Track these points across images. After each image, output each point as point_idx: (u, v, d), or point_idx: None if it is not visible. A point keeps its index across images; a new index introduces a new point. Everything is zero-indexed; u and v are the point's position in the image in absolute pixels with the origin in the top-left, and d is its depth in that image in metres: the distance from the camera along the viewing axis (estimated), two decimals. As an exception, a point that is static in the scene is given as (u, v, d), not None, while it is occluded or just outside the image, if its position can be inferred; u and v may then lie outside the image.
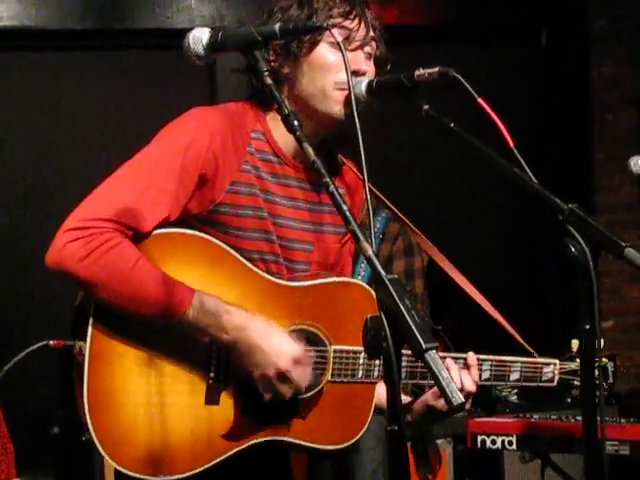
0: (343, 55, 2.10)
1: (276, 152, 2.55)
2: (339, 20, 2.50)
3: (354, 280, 2.62)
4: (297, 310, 2.50)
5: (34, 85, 5.78)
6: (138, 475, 2.37)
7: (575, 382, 2.82)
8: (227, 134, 2.46)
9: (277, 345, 2.40)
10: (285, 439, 2.51)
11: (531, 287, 6.47)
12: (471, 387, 2.63)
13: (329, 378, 2.52)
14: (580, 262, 2.11)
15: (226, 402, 2.44)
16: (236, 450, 2.44)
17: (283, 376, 2.40)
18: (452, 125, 2.37)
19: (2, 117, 5.77)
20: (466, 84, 2.25)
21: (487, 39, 6.47)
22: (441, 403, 2.65)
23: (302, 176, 2.60)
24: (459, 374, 2.60)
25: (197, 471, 2.41)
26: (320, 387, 2.52)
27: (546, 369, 2.79)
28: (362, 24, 2.52)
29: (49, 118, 5.78)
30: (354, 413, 2.58)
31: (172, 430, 2.39)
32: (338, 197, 1.92)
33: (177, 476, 2.40)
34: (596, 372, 2.67)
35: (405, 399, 2.67)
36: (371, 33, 2.54)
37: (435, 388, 2.65)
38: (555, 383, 2.80)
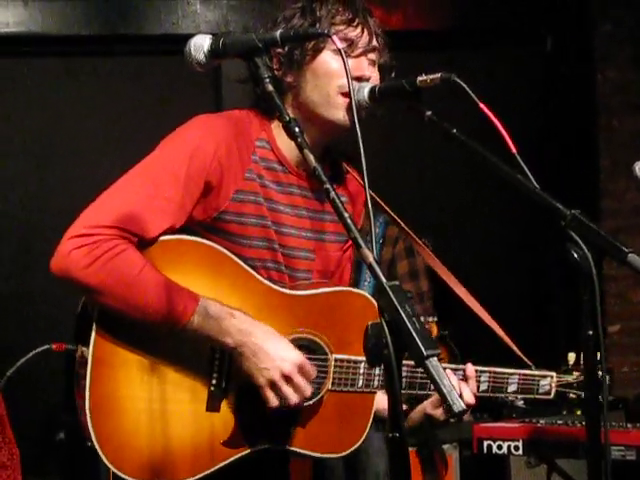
0: (344, 61, 2.10)
1: (280, 160, 2.56)
2: (342, 27, 2.51)
3: (356, 290, 2.63)
4: (299, 318, 2.51)
5: (40, 91, 5.79)
6: (129, 478, 2.37)
7: (572, 395, 2.84)
8: (232, 142, 2.47)
9: (282, 350, 2.41)
10: (285, 447, 2.52)
11: (536, 293, 6.46)
12: (470, 399, 2.64)
13: (329, 387, 2.53)
14: (583, 268, 2.11)
15: (227, 409, 2.45)
16: (236, 457, 2.45)
17: (288, 380, 2.40)
18: (454, 131, 2.37)
19: (8, 122, 5.78)
20: (468, 90, 2.25)
21: (491, 44, 6.46)
22: (439, 412, 2.67)
23: (305, 184, 2.60)
24: (458, 386, 2.61)
25: (197, 477, 2.42)
26: (320, 396, 2.52)
27: (543, 382, 2.81)
28: (365, 31, 2.53)
29: (55, 123, 5.80)
30: (353, 422, 2.59)
31: (173, 437, 2.39)
32: (339, 204, 1.91)
33: None
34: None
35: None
36: (374, 41, 2.54)
37: (434, 398, 2.67)
38: (552, 396, 2.82)
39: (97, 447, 2.34)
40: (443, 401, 1.67)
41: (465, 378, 2.66)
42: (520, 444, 4.01)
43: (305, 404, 2.48)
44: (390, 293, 1.75)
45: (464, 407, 1.67)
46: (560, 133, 6.50)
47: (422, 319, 4.64)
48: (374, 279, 1.79)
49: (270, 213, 2.53)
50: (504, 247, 6.32)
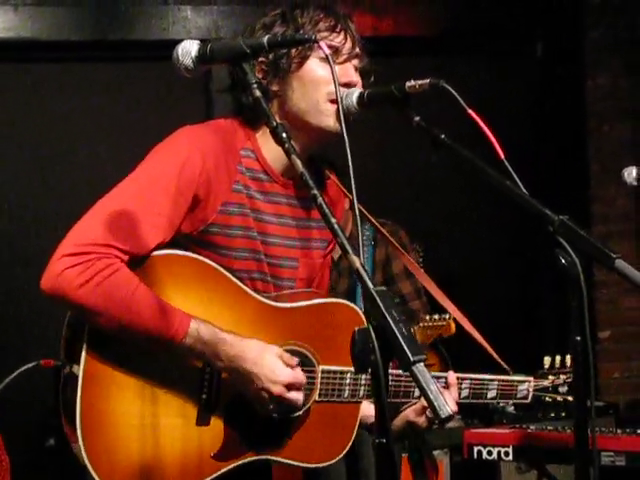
0: (331, 67, 2.10)
1: (265, 170, 2.55)
2: (326, 34, 2.50)
3: (342, 300, 2.63)
4: (287, 331, 2.51)
5: (30, 97, 5.78)
6: None
7: (547, 399, 2.89)
8: (219, 154, 2.46)
9: (270, 372, 2.41)
10: (273, 458, 2.53)
11: (525, 299, 6.47)
12: (453, 406, 2.66)
13: (316, 398, 2.54)
14: (570, 273, 2.11)
15: (216, 423, 2.45)
16: (225, 470, 2.45)
17: (278, 400, 2.43)
18: (443, 136, 2.37)
19: (-2, 128, 5.78)
20: (457, 95, 2.25)
21: (482, 50, 6.47)
22: (422, 420, 2.68)
23: (291, 192, 2.60)
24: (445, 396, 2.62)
25: None
26: (307, 407, 2.53)
27: (521, 387, 2.85)
28: (348, 37, 2.53)
29: (45, 129, 5.78)
30: (339, 431, 2.61)
31: (164, 452, 2.39)
32: (326, 209, 1.91)
33: None
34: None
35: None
36: (356, 47, 2.55)
37: (417, 405, 2.68)
38: (529, 400, 2.86)
39: (88, 464, 2.32)
40: (429, 406, 1.67)
41: (447, 386, 2.70)
42: (510, 450, 4.02)
43: (293, 415, 2.50)
44: (377, 298, 1.75)
45: (450, 412, 1.67)
46: (550, 139, 6.51)
47: (427, 317, 4.62)
48: (360, 285, 1.78)
49: (256, 224, 2.53)
50: (494, 253, 6.33)
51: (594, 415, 2.21)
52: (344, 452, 2.61)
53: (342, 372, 2.55)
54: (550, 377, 2.88)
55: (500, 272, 6.34)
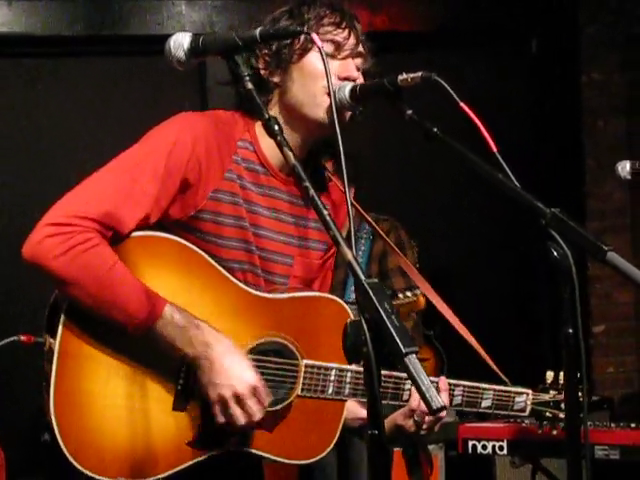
0: (322, 58, 2.10)
1: (263, 163, 2.55)
2: (330, 29, 2.51)
3: (330, 296, 2.61)
4: (271, 322, 2.49)
5: (23, 91, 5.78)
6: (97, 476, 2.34)
7: (547, 414, 2.84)
8: (212, 141, 2.46)
9: (239, 369, 2.37)
10: (250, 451, 2.49)
11: (519, 293, 6.48)
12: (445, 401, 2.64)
13: (299, 392, 2.50)
14: (562, 266, 2.11)
15: (193, 409, 2.42)
16: (202, 458, 2.42)
17: (239, 401, 2.37)
18: (435, 130, 2.37)
19: (-8, 123, 5.77)
20: (449, 88, 2.25)
21: (476, 46, 6.48)
22: (409, 423, 2.65)
23: (290, 189, 2.60)
24: None
25: (161, 476, 2.39)
26: (289, 401, 2.50)
27: (518, 398, 2.79)
28: (352, 35, 2.54)
29: (39, 124, 5.78)
30: (322, 429, 2.57)
31: (137, 435, 2.36)
32: (318, 202, 1.91)
33: None
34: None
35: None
36: (360, 47, 2.55)
37: (405, 409, 2.66)
38: (527, 413, 2.82)
39: (60, 441, 2.30)
40: (421, 398, 1.67)
41: (438, 391, 2.62)
42: (505, 444, 4.03)
43: (272, 409, 2.46)
44: (369, 291, 1.75)
45: (442, 404, 1.67)
46: (545, 134, 6.52)
47: (399, 294, 4.59)
48: (353, 277, 1.78)
49: (249, 215, 2.52)
50: (487, 246, 6.34)
51: (586, 408, 2.21)
52: (326, 451, 2.56)
53: (327, 368, 2.52)
54: (552, 392, 2.82)
55: (494, 266, 6.34)
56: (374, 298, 1.74)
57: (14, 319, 5.25)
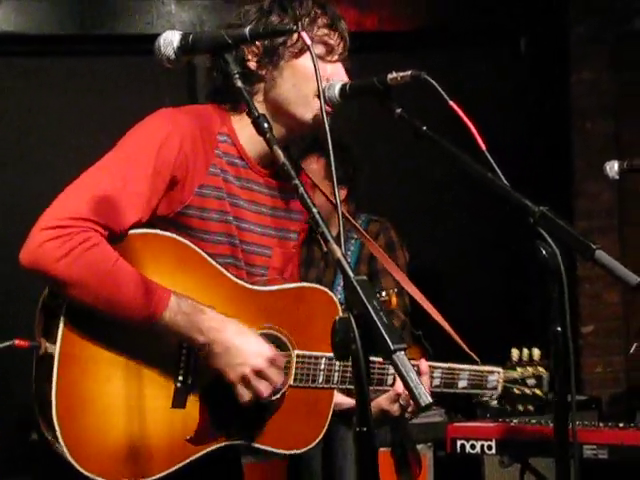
0: (312, 57, 2.11)
1: (242, 155, 2.56)
2: (325, 31, 2.53)
3: (318, 286, 2.64)
4: (262, 314, 2.51)
5: (13, 91, 5.77)
6: (96, 477, 2.34)
7: (516, 391, 2.89)
8: (196, 136, 2.46)
9: (253, 345, 2.41)
10: (247, 443, 2.52)
11: (510, 292, 6.49)
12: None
13: (291, 383, 2.53)
14: (551, 264, 2.12)
15: (192, 406, 2.44)
16: (200, 454, 2.44)
17: (260, 374, 2.40)
18: (424, 128, 2.37)
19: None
20: (438, 87, 2.26)
21: (465, 45, 6.49)
22: (395, 407, 2.69)
23: (267, 181, 2.61)
24: None
25: (160, 475, 2.40)
26: (283, 391, 2.53)
27: (491, 377, 2.87)
28: (342, 38, 2.55)
29: (28, 123, 5.78)
30: (314, 417, 2.61)
31: (139, 433, 2.37)
32: (308, 200, 1.92)
33: None
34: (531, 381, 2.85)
35: (350, 401, 2.69)
36: (346, 49, 2.57)
37: (390, 393, 2.69)
38: (499, 391, 2.88)
39: (62, 443, 2.30)
40: (410, 394, 1.67)
41: (419, 374, 2.68)
42: (493, 443, 4.03)
43: (268, 400, 2.48)
44: (358, 288, 1.75)
45: (430, 401, 1.68)
46: (534, 134, 6.53)
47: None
48: (341, 274, 1.79)
49: (232, 208, 2.53)
50: (478, 245, 6.35)
51: (574, 407, 2.21)
52: (319, 439, 2.60)
53: (317, 357, 2.55)
54: (519, 369, 2.91)
55: (484, 265, 6.35)
56: (362, 294, 1.74)
57: (8, 323, 5.23)
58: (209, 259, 2.46)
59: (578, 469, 2.25)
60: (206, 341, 2.38)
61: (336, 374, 2.58)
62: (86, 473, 2.33)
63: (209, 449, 2.46)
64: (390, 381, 2.68)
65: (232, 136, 2.55)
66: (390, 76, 2.39)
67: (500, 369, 2.89)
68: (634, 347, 5.91)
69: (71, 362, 2.33)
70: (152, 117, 2.49)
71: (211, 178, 2.49)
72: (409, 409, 2.70)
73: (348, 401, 2.71)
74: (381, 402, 2.71)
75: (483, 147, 2.26)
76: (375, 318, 1.71)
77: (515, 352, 2.92)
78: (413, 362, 2.68)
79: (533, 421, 4.15)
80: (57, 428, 2.30)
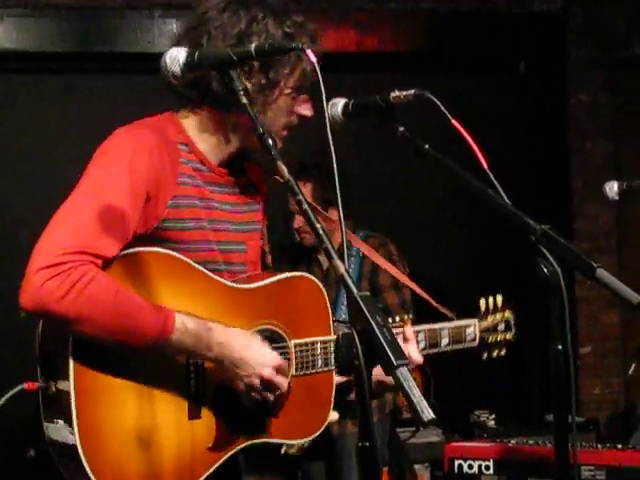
0: (318, 75, 2.10)
1: (202, 160, 2.57)
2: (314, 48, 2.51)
3: (299, 273, 2.69)
4: (256, 311, 2.55)
5: (13, 107, 5.78)
6: None
7: (490, 339, 3.06)
8: (162, 149, 2.47)
9: (259, 356, 2.44)
10: (264, 441, 2.56)
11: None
12: (418, 357, 2.77)
13: (294, 372, 2.57)
14: (551, 282, 2.13)
15: (207, 414, 2.46)
16: (223, 460, 2.47)
17: (267, 382, 2.45)
18: (427, 146, 2.39)
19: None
20: (441, 106, 2.28)
21: (465, 67, 6.51)
22: (389, 379, 2.71)
23: (227, 180, 2.63)
24: (405, 348, 2.69)
25: None
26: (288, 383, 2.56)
27: (468, 329, 3.01)
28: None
29: (28, 140, 5.78)
30: (318, 401, 2.66)
31: (163, 451, 2.39)
32: (312, 215, 1.93)
33: None
34: (501, 327, 3.09)
35: (339, 379, 2.71)
36: None
37: None
38: (477, 342, 3.02)
39: (91, 476, 2.29)
40: (412, 410, 1.68)
41: (405, 340, 2.77)
42: (491, 464, 4.04)
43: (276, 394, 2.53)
44: (361, 303, 1.77)
45: (433, 416, 1.69)
46: (533, 156, 6.55)
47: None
48: (345, 290, 1.80)
49: (206, 212, 2.54)
50: (479, 261, 6.34)
51: (574, 429, 2.21)
52: (325, 423, 2.66)
53: (312, 343, 2.60)
54: (489, 318, 3.07)
55: (485, 281, 6.34)
56: (365, 310, 1.76)
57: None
58: (197, 266, 2.47)
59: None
60: (214, 357, 2.41)
61: (332, 355, 2.61)
62: None
63: (231, 453, 2.49)
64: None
65: (190, 144, 2.55)
66: (393, 94, 2.40)
67: (475, 320, 3.03)
68: (633, 367, 5.92)
69: (88, 395, 2.32)
70: (113, 138, 2.49)
71: (181, 188, 2.49)
72: None
73: (338, 378, 2.71)
74: (377, 374, 2.72)
75: (485, 165, 2.27)
76: (378, 334, 1.73)
77: (482, 302, 3.09)
78: (398, 329, 2.76)
79: (531, 442, 4.16)
80: (86, 464, 2.29)
